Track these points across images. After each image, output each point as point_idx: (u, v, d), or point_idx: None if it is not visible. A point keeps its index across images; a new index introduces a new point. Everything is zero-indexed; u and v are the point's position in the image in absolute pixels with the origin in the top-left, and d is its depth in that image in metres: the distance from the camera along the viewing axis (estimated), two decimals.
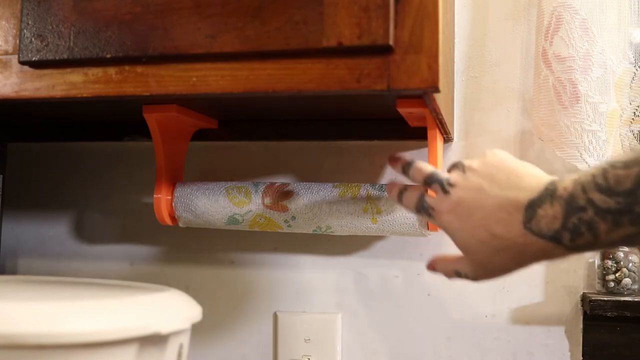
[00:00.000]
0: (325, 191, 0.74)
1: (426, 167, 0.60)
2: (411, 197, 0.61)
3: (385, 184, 0.73)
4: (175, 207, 0.78)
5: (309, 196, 0.74)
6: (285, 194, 0.75)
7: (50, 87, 0.64)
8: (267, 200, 0.75)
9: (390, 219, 0.72)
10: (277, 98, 0.66)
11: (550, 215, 0.49)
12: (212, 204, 0.77)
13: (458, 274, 0.59)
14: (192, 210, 0.78)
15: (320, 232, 0.76)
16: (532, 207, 0.51)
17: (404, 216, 0.72)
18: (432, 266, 0.63)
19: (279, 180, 0.92)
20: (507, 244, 0.52)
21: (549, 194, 0.50)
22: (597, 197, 0.47)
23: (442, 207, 0.57)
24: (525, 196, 0.51)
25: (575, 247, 0.49)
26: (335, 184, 0.75)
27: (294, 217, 0.75)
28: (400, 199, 0.63)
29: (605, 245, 0.49)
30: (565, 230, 0.49)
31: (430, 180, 0.59)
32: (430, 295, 0.87)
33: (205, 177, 0.94)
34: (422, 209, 0.60)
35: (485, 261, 0.55)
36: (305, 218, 0.74)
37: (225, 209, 0.77)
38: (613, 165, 0.47)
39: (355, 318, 0.89)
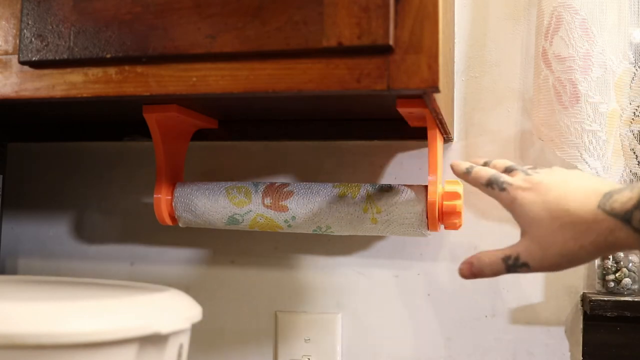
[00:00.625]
0: (325, 191, 0.74)
1: (485, 172, 0.62)
2: (484, 172, 0.62)
3: (385, 184, 0.73)
4: (175, 207, 0.78)
5: (309, 196, 0.74)
6: (286, 194, 0.75)
7: (50, 87, 0.64)
8: (267, 200, 0.75)
9: (390, 219, 0.72)
10: (277, 98, 0.66)
11: (626, 197, 0.51)
12: (212, 204, 0.77)
13: (508, 261, 0.57)
14: (192, 210, 0.78)
15: (321, 232, 0.76)
16: (610, 193, 0.53)
17: (404, 216, 0.72)
18: (469, 265, 0.60)
19: (279, 180, 0.92)
20: (576, 220, 0.53)
21: (629, 186, 0.52)
22: None
23: (522, 183, 0.58)
24: (606, 186, 0.54)
25: None
26: (335, 184, 0.75)
27: (294, 217, 0.75)
28: (468, 172, 0.63)
29: None
30: (637, 210, 0.50)
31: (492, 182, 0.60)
32: (430, 295, 0.87)
33: (205, 177, 0.94)
34: (496, 182, 0.59)
35: (547, 239, 0.55)
36: (305, 218, 0.74)
37: (225, 208, 0.76)
38: None
39: (355, 318, 0.89)
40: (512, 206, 0.58)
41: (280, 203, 0.75)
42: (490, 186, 0.60)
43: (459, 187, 0.71)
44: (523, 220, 0.57)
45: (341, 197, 0.73)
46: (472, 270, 0.59)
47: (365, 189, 0.73)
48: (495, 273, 0.59)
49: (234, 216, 0.77)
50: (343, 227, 0.74)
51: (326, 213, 0.74)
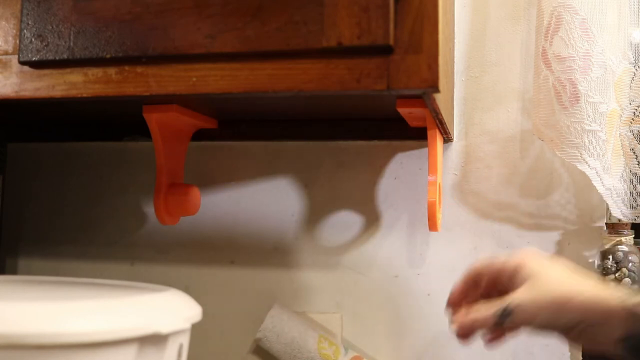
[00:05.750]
0: None
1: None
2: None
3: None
4: (268, 323, 0.82)
5: None
6: None
7: (50, 87, 0.64)
8: None
9: None
10: (277, 98, 0.66)
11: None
12: (302, 342, 0.81)
13: (505, 313, 0.54)
14: (280, 335, 0.81)
15: None
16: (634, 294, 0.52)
17: None
18: (462, 324, 0.57)
19: (279, 180, 0.92)
20: (587, 286, 0.53)
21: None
22: None
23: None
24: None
25: (637, 313, 0.50)
26: None
27: None
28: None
29: None
30: None
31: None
32: (430, 295, 0.87)
33: (205, 177, 0.94)
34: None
35: (550, 286, 0.53)
36: None
37: (309, 353, 0.80)
38: None
39: (355, 318, 0.89)
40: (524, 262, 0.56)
41: None
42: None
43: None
44: (531, 270, 0.55)
45: None
46: (464, 333, 0.57)
47: None
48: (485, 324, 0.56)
49: None
50: None
51: None
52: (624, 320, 0.51)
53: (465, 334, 0.57)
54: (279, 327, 0.82)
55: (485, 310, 0.55)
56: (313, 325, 0.84)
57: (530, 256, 0.57)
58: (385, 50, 0.55)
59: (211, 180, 0.87)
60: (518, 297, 0.54)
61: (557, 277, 0.54)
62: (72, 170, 1.00)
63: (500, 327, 0.55)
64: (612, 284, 0.55)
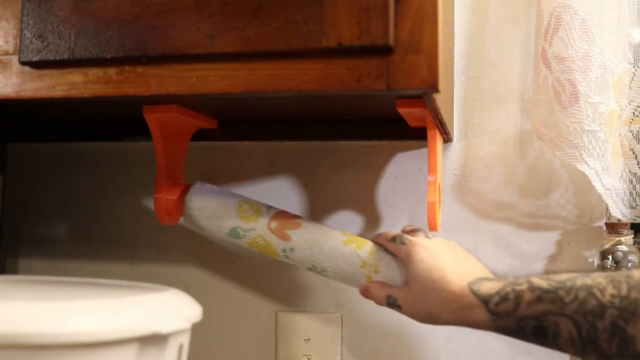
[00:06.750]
0: (332, 234, 0.73)
1: (393, 232, 0.71)
2: (393, 232, 0.71)
3: (386, 249, 0.71)
4: (187, 202, 0.76)
5: (315, 234, 0.73)
6: (294, 224, 0.74)
7: (51, 87, 0.64)
8: (274, 224, 0.74)
9: (386, 281, 0.70)
10: (277, 98, 0.66)
11: (492, 285, 0.61)
12: (222, 211, 0.75)
13: (389, 299, 0.67)
14: (201, 210, 0.76)
15: (315, 272, 0.74)
16: (482, 279, 0.62)
17: (397, 280, 0.70)
18: (365, 290, 0.70)
19: (279, 180, 0.92)
20: (447, 289, 0.62)
21: (502, 279, 0.61)
22: (535, 279, 0.59)
23: (420, 241, 0.67)
24: (483, 272, 0.65)
25: (495, 312, 0.59)
26: (344, 232, 0.74)
27: (292, 249, 0.73)
28: (379, 235, 0.72)
29: (518, 316, 0.58)
30: (497, 295, 0.59)
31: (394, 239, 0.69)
32: None
33: (205, 177, 0.93)
34: (399, 238, 0.68)
35: (419, 296, 0.64)
36: (304, 253, 0.73)
37: (231, 219, 0.75)
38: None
39: (355, 318, 0.89)
40: (407, 259, 0.66)
41: (285, 231, 0.73)
42: (394, 240, 0.69)
43: None
44: (410, 273, 0.65)
45: (345, 244, 0.72)
46: (366, 294, 0.70)
47: (370, 246, 0.72)
48: (379, 303, 0.69)
49: (237, 229, 0.75)
50: (337, 275, 0.73)
51: (325, 256, 0.72)
52: (488, 320, 0.60)
53: (366, 297, 0.70)
54: (199, 202, 0.77)
55: (381, 291, 0.68)
56: (233, 194, 0.79)
57: (416, 252, 0.66)
58: (385, 51, 0.55)
59: (211, 180, 0.86)
60: (400, 298, 0.66)
61: (430, 286, 0.63)
62: (72, 170, 1.00)
63: (390, 308, 0.68)
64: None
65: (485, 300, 0.60)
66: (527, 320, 0.58)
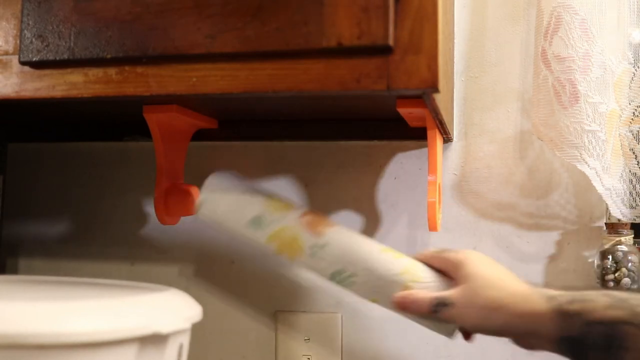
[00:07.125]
0: (368, 240, 0.68)
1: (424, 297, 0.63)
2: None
3: (431, 268, 0.67)
4: (212, 178, 0.70)
5: (350, 236, 0.68)
6: (327, 222, 0.69)
7: (51, 87, 0.64)
8: (307, 218, 0.68)
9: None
10: (277, 98, 0.66)
11: (557, 291, 0.58)
12: (249, 196, 0.68)
13: (438, 301, 0.61)
14: (225, 190, 0.69)
15: (339, 277, 0.67)
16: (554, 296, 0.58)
17: (441, 290, 0.65)
18: (404, 297, 0.64)
19: (279, 180, 0.92)
20: (510, 285, 0.59)
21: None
22: (605, 290, 0.56)
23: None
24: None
25: (566, 311, 0.55)
26: (382, 245, 0.69)
27: (324, 245, 0.66)
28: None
29: (589, 319, 0.54)
30: (567, 294, 0.56)
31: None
32: None
33: (205, 177, 0.93)
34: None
35: (480, 289, 0.59)
36: (336, 251, 0.66)
37: (256, 204, 0.68)
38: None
39: (355, 318, 0.89)
40: (458, 263, 0.62)
41: (319, 226, 0.68)
42: (436, 253, 0.66)
43: None
44: (464, 271, 0.61)
45: (382, 252, 0.67)
46: (405, 301, 0.64)
47: (408, 258, 0.67)
48: (419, 309, 0.63)
49: (261, 218, 0.68)
50: (368, 282, 0.66)
51: (361, 258, 0.66)
52: (554, 321, 0.55)
53: (402, 307, 0.64)
54: (221, 184, 0.71)
55: (425, 294, 0.62)
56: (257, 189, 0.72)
57: (470, 257, 0.63)
58: (385, 51, 0.55)
59: None
60: (454, 295, 0.61)
61: (491, 282, 0.59)
62: (72, 170, 1.00)
63: (434, 315, 0.62)
64: (543, 287, 0.61)
65: (554, 297, 0.56)
66: (596, 325, 0.54)
